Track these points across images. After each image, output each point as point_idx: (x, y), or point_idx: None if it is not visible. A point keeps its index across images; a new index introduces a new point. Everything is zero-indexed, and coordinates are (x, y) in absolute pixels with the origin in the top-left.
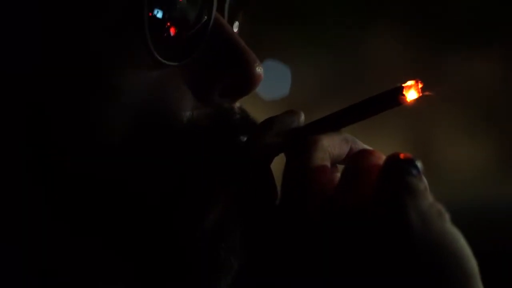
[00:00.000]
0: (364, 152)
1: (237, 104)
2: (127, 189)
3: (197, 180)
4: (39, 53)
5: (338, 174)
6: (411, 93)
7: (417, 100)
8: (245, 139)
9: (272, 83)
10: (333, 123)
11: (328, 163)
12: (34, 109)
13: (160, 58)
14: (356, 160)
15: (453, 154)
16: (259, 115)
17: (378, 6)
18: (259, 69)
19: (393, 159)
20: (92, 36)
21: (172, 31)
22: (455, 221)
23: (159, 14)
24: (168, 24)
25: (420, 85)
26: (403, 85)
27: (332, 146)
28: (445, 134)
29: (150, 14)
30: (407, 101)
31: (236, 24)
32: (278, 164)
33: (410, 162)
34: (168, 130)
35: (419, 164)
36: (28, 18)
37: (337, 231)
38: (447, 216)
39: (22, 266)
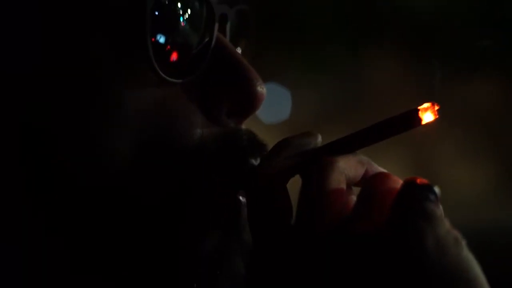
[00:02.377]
0: (380, 175)
1: (244, 126)
2: (130, 204)
3: (202, 200)
4: (40, 68)
5: (353, 196)
6: (427, 115)
7: (432, 122)
8: (253, 160)
9: (273, 106)
10: (348, 145)
11: (343, 185)
12: (34, 125)
13: (164, 76)
14: (372, 184)
15: (453, 177)
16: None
17: (379, 31)
18: (260, 88)
19: (410, 184)
20: (95, 55)
21: (176, 52)
22: None
23: (162, 39)
24: (172, 46)
25: (436, 107)
26: (418, 107)
27: (348, 168)
28: (445, 157)
29: (153, 39)
30: (422, 124)
31: (239, 49)
32: (294, 185)
33: (427, 188)
34: (176, 146)
35: (436, 189)
36: (29, 39)
37: (352, 254)
38: (463, 243)
39: None
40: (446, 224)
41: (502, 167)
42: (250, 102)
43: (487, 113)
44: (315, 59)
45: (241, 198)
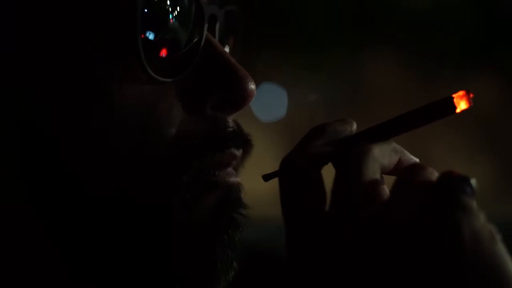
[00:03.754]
0: (416, 166)
1: (231, 118)
2: (126, 202)
3: (186, 184)
4: (32, 72)
5: (384, 186)
6: (462, 103)
7: (466, 110)
8: (234, 149)
9: (269, 105)
10: (382, 133)
11: (378, 175)
12: (28, 127)
13: (154, 75)
14: (408, 175)
15: None
16: (256, 136)
17: (376, 31)
18: (251, 85)
19: (447, 176)
20: (88, 54)
21: (165, 50)
22: None
23: (151, 36)
24: (161, 43)
25: (470, 95)
26: (453, 95)
27: (382, 156)
28: (444, 157)
29: (143, 36)
30: (457, 111)
31: (227, 48)
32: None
33: (464, 180)
34: (158, 141)
35: (473, 182)
36: (20, 35)
37: (385, 244)
38: (498, 237)
39: None
40: (482, 217)
41: (501, 167)
42: (240, 98)
43: (486, 113)
44: (312, 58)
45: (230, 180)
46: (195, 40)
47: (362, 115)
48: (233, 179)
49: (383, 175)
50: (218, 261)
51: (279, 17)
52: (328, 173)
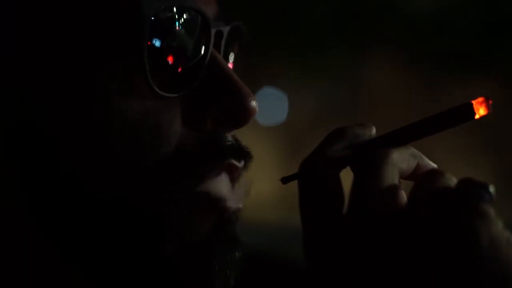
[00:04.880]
0: (435, 172)
1: (231, 133)
2: (122, 206)
3: (182, 199)
4: (33, 75)
5: (402, 191)
6: (481, 109)
7: (486, 116)
8: (235, 162)
9: (270, 109)
10: (401, 138)
11: (396, 180)
12: (28, 127)
13: (157, 89)
14: (426, 180)
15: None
16: (257, 140)
17: (376, 34)
18: (253, 103)
19: (466, 182)
20: (84, 54)
21: (169, 64)
22: None
23: (158, 43)
24: (165, 57)
25: (490, 101)
26: (472, 101)
27: (401, 161)
28: (444, 157)
29: (149, 43)
30: (476, 117)
31: (232, 55)
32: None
33: (483, 187)
34: (157, 150)
35: (492, 189)
36: (21, 38)
37: (403, 249)
38: None
39: None
40: (499, 224)
41: (500, 167)
42: (241, 116)
43: (486, 114)
44: (312, 62)
45: (231, 206)
46: (200, 56)
47: (363, 117)
48: (234, 205)
49: (401, 180)
50: (215, 278)
51: (280, 20)
52: (347, 176)
